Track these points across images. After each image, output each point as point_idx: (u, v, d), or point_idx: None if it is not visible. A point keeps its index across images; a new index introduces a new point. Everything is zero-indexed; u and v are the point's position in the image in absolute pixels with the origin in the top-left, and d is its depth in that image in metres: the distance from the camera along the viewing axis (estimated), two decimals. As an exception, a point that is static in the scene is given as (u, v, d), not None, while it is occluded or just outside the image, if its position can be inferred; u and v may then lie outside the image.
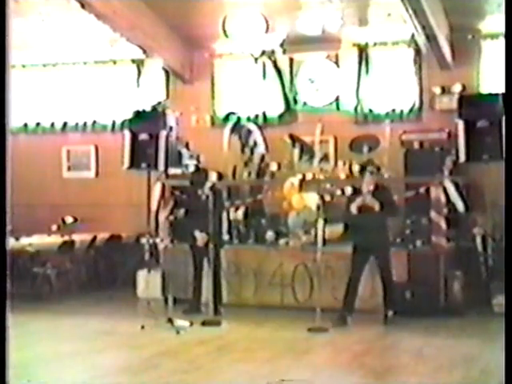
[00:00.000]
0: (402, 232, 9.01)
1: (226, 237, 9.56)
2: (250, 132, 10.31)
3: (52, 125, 12.15)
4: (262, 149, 10.23)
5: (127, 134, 8.46)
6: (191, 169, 9.57)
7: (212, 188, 8.68)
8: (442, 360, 6.37)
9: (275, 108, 11.11)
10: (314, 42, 10.47)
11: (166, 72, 11.55)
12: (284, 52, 10.87)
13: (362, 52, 10.74)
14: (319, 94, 10.96)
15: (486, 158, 7.90)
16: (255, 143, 10.26)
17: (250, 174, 10.08)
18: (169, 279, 8.82)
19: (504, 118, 7.36)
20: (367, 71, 10.74)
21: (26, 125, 12.21)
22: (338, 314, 8.06)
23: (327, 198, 9.48)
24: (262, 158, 10.19)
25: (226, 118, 10.78)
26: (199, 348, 7.02)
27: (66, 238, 10.46)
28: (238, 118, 10.59)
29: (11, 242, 9.05)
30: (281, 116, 11.11)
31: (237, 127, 10.41)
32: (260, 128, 10.50)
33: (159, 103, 10.16)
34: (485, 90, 9.99)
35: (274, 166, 10.04)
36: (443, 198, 8.87)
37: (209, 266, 8.61)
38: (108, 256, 11.10)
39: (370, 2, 10.02)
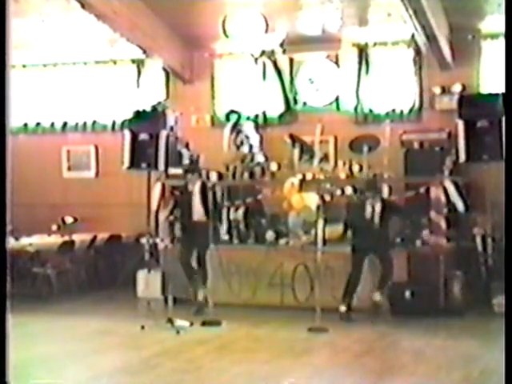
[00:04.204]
0: (402, 232, 9.01)
1: (225, 237, 9.59)
2: (240, 132, 10.37)
3: (52, 125, 12.15)
4: (247, 149, 10.30)
5: (127, 133, 8.45)
6: (182, 170, 9.53)
7: (202, 188, 8.76)
8: (442, 360, 6.38)
9: (275, 108, 11.11)
10: (314, 42, 10.47)
11: (166, 72, 11.55)
12: (284, 52, 10.86)
13: (362, 52, 10.73)
14: (319, 93, 10.96)
15: (486, 158, 7.89)
16: (242, 143, 10.32)
17: (242, 174, 10.10)
18: (169, 279, 8.81)
19: (504, 118, 7.35)
20: (367, 71, 10.73)
21: (26, 125, 12.20)
22: (342, 313, 8.19)
23: (327, 198, 9.48)
24: (252, 157, 10.23)
25: (227, 116, 10.79)
26: (199, 348, 7.03)
27: (66, 238, 10.46)
28: (239, 117, 10.61)
29: (11, 242, 9.06)
30: (281, 116, 11.11)
31: (236, 126, 10.46)
32: (257, 128, 10.57)
33: (159, 103, 10.14)
34: (485, 90, 9.98)
35: (274, 166, 10.05)
36: (443, 198, 8.87)
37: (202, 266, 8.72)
38: (108, 256, 11.10)
39: (370, 2, 10.02)
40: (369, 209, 8.36)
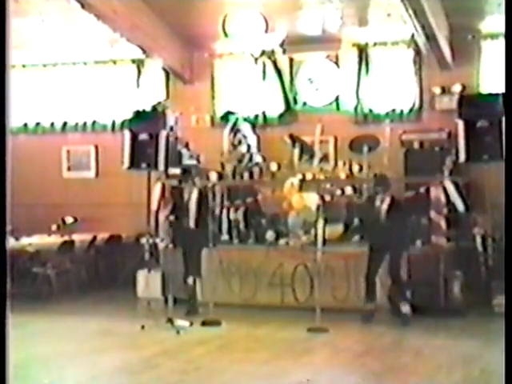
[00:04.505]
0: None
1: (225, 237, 9.60)
2: (238, 132, 10.42)
3: (52, 125, 12.15)
4: (245, 149, 10.35)
5: (127, 134, 8.45)
6: (177, 171, 9.55)
7: (199, 195, 8.80)
8: (442, 360, 6.37)
9: (275, 108, 11.11)
10: (314, 42, 10.46)
11: (166, 72, 11.55)
12: (284, 52, 10.86)
13: (362, 52, 10.73)
14: (319, 93, 10.96)
15: (486, 158, 7.89)
16: (240, 143, 10.37)
17: (241, 174, 10.12)
18: (169, 279, 8.82)
19: (504, 118, 7.35)
20: (367, 71, 10.73)
21: (25, 125, 12.20)
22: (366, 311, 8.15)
23: (327, 198, 9.48)
24: (251, 157, 10.25)
25: (224, 117, 10.82)
26: (199, 348, 7.03)
27: (66, 237, 10.46)
28: (236, 118, 10.64)
29: (11, 242, 9.06)
30: (281, 116, 11.11)
31: (234, 126, 10.49)
32: (253, 128, 10.60)
33: (159, 103, 10.15)
34: (485, 90, 9.98)
35: (273, 166, 10.06)
36: (443, 198, 8.87)
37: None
38: (108, 256, 11.10)
39: (370, 2, 10.03)
40: (378, 207, 8.28)
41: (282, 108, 11.09)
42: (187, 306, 8.70)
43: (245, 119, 10.80)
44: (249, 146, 10.43)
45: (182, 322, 7.80)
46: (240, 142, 10.42)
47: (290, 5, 10.11)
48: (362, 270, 8.42)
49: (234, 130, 10.50)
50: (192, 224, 8.73)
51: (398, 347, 7.18)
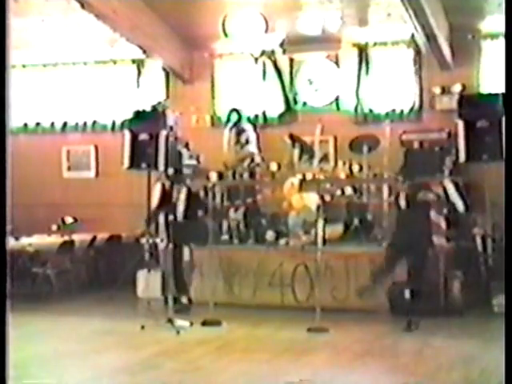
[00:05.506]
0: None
1: (225, 237, 9.60)
2: (244, 131, 10.44)
3: (52, 125, 12.15)
4: (253, 149, 10.36)
5: (127, 134, 8.45)
6: (171, 171, 9.57)
7: (188, 191, 8.84)
8: (442, 360, 6.37)
9: (275, 108, 11.11)
10: (314, 42, 10.47)
11: (166, 72, 11.55)
12: (284, 52, 10.86)
13: (362, 52, 10.73)
14: (319, 94, 10.96)
15: (486, 158, 7.89)
16: (247, 142, 10.40)
17: (241, 174, 10.14)
18: (169, 279, 8.82)
19: (504, 118, 7.35)
20: (367, 71, 10.73)
21: (26, 125, 12.20)
22: None
23: (327, 198, 9.48)
24: (252, 158, 10.26)
25: (229, 115, 10.80)
26: (199, 348, 7.03)
27: (66, 238, 10.46)
28: (240, 116, 10.65)
29: (11, 242, 9.06)
30: (281, 116, 11.11)
31: (236, 126, 10.51)
32: (255, 128, 10.62)
33: (159, 103, 10.14)
34: (485, 90, 9.99)
35: (273, 166, 10.06)
36: (443, 198, 8.87)
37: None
38: (108, 256, 11.10)
39: (370, 2, 10.03)
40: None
41: (282, 108, 11.09)
42: (177, 304, 8.71)
43: (248, 118, 10.81)
44: (247, 143, 10.45)
45: (181, 322, 7.80)
46: (247, 142, 10.44)
47: (290, 5, 10.11)
48: (362, 270, 8.45)
49: (239, 128, 10.50)
50: (183, 222, 8.79)
51: (398, 347, 7.18)
